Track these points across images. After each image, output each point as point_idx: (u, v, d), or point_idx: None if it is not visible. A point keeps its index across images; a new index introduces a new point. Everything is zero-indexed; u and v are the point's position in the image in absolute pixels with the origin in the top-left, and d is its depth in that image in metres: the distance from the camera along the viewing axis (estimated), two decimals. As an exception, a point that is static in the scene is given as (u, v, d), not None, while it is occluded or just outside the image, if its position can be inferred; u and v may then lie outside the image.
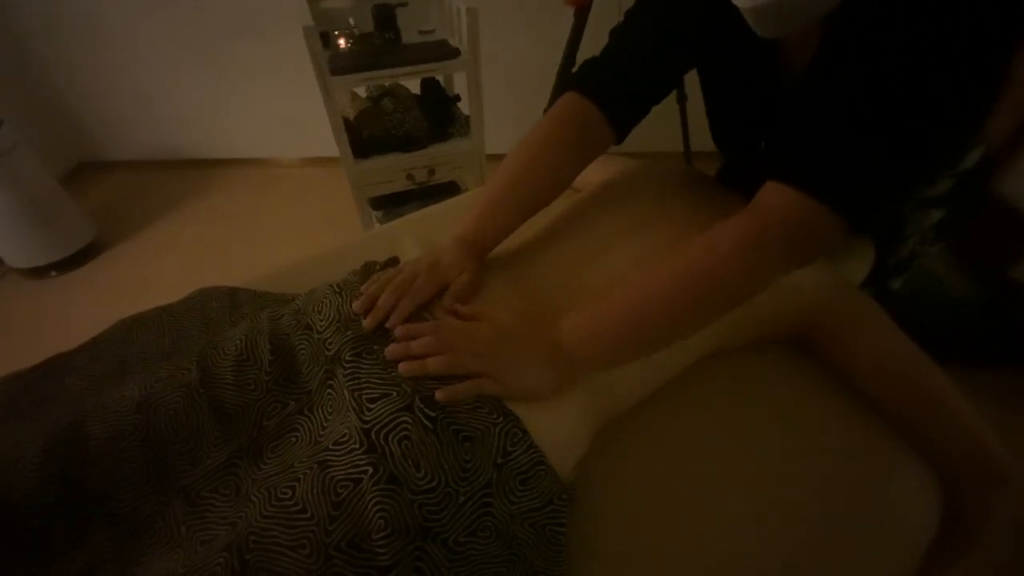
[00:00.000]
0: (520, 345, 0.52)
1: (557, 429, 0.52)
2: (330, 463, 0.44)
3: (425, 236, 0.93)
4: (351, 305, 0.56)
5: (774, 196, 0.51)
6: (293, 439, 0.51)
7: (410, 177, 1.65)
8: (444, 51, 1.48)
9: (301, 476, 0.44)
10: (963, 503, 0.60)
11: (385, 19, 1.52)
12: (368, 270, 0.62)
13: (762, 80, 0.64)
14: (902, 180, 0.50)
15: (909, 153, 0.48)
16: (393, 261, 0.67)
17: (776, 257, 0.51)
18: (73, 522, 0.47)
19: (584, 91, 0.68)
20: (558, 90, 1.68)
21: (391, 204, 1.77)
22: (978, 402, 0.61)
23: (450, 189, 1.85)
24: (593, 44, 1.64)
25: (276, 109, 2.41)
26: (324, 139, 1.56)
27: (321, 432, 0.49)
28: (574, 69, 0.74)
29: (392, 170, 1.62)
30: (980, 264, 1.41)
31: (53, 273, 1.98)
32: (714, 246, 0.52)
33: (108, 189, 2.50)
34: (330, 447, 0.45)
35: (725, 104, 0.73)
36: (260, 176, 2.54)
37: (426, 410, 0.46)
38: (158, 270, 2.03)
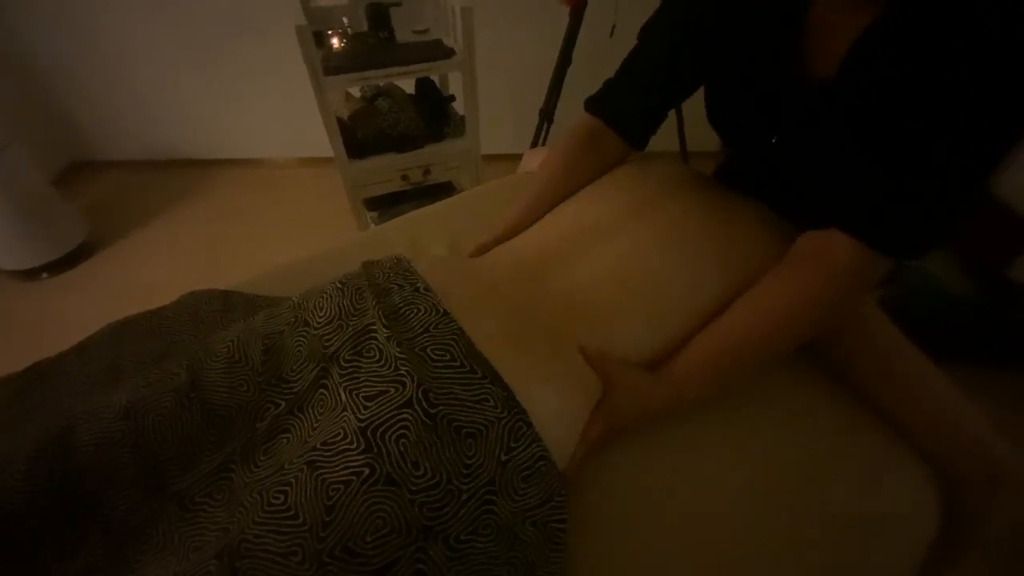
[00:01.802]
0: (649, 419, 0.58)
1: (559, 424, 0.52)
2: (319, 464, 0.43)
3: (420, 237, 0.93)
4: (351, 301, 0.56)
5: (843, 249, 0.54)
6: (285, 440, 0.50)
7: (405, 177, 1.64)
8: (439, 51, 1.48)
9: (292, 480, 0.43)
10: (963, 503, 0.60)
11: (379, 18, 1.52)
12: (369, 267, 0.62)
13: (779, 79, 0.63)
14: (965, 210, 0.52)
15: (976, 184, 0.49)
16: (392, 257, 0.66)
17: (850, 299, 0.59)
18: (71, 526, 0.47)
19: (594, 111, 0.77)
20: (552, 88, 1.68)
21: (386, 204, 1.77)
22: (975, 401, 0.61)
23: (446, 189, 1.85)
24: (589, 43, 1.65)
25: (271, 109, 2.40)
26: (319, 139, 1.55)
27: (311, 432, 0.48)
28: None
29: (387, 170, 1.61)
30: (978, 264, 1.41)
31: (45, 275, 1.97)
32: (792, 296, 0.57)
33: (101, 189, 2.48)
34: (318, 447, 0.45)
35: (737, 102, 0.72)
36: (255, 176, 2.53)
37: (426, 406, 0.45)
38: (152, 271, 2.01)
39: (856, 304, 0.59)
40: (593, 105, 0.77)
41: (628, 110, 0.76)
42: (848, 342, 0.67)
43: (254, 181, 2.50)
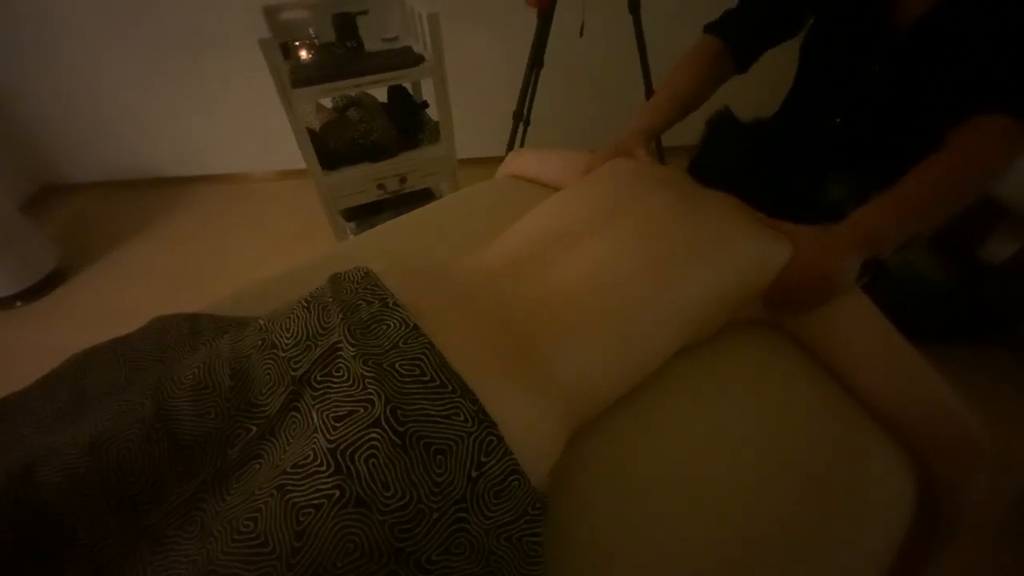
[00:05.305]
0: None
1: (532, 434, 0.51)
2: (288, 487, 0.42)
3: (394, 247, 0.92)
4: (318, 320, 0.55)
5: (993, 124, 0.63)
6: (257, 466, 0.49)
7: (382, 187, 1.63)
8: (408, 58, 1.47)
9: (262, 506, 0.42)
10: (939, 480, 0.61)
11: (346, 28, 1.50)
12: (336, 282, 0.60)
13: (870, 31, 0.74)
14: None
15: None
16: (360, 270, 0.65)
17: (1002, 168, 0.65)
18: (43, 565, 0.45)
19: (715, 33, 0.92)
20: (524, 90, 1.67)
21: (365, 214, 1.76)
22: (946, 376, 0.62)
23: (425, 196, 1.84)
24: (560, 44, 1.64)
25: (243, 123, 2.37)
26: (293, 151, 1.54)
27: (282, 457, 0.47)
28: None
29: (362, 180, 1.60)
30: (950, 245, 1.44)
31: (19, 303, 1.93)
32: (949, 174, 0.65)
33: (72, 213, 2.43)
34: (288, 470, 0.44)
35: (824, 60, 0.83)
36: (230, 192, 2.49)
37: (395, 424, 0.44)
38: (128, 295, 1.98)
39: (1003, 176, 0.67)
40: (715, 28, 0.92)
41: (745, 35, 0.90)
42: (826, 319, 0.68)
43: (229, 196, 2.46)
